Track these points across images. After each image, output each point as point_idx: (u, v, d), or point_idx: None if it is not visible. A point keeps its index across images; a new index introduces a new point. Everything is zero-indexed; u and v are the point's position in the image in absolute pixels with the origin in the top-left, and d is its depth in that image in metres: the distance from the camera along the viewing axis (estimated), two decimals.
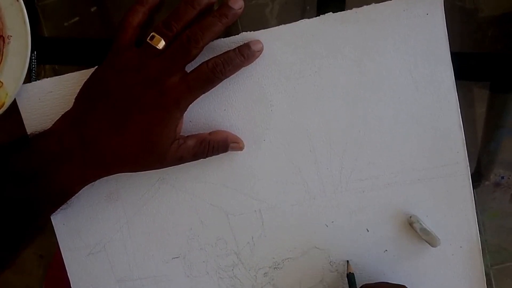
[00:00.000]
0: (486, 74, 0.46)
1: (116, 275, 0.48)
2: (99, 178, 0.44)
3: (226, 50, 0.44)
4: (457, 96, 0.46)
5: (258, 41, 0.45)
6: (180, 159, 0.43)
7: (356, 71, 0.46)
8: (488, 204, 0.48)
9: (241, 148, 0.46)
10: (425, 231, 0.45)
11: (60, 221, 0.48)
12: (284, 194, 0.47)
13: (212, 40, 0.43)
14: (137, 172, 0.46)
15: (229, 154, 0.46)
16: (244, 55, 0.43)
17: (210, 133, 0.45)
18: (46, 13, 0.47)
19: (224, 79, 0.43)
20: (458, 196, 0.46)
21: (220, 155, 0.46)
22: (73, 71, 0.47)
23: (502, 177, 0.48)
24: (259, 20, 0.46)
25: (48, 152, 0.42)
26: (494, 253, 0.48)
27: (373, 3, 0.45)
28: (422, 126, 0.46)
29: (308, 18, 0.46)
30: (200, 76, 0.42)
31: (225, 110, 0.46)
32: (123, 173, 0.45)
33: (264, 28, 0.46)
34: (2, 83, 0.45)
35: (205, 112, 0.46)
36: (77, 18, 0.47)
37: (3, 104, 0.45)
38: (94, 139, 0.42)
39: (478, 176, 0.48)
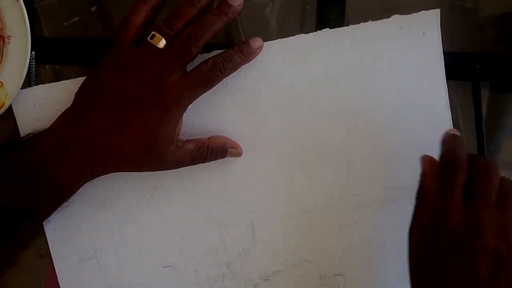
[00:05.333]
0: (486, 74, 0.46)
1: (106, 282, 0.48)
2: (98, 175, 0.44)
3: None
4: (450, 116, 0.46)
5: (258, 39, 0.44)
6: (179, 163, 0.44)
7: (351, 87, 0.46)
8: None
9: (239, 154, 0.46)
10: None
11: (52, 227, 0.48)
12: (276, 207, 0.47)
13: (212, 38, 0.43)
14: (131, 180, 0.46)
15: (224, 166, 0.46)
16: (244, 53, 0.43)
17: (209, 138, 0.45)
18: (46, 13, 0.47)
19: (224, 77, 0.43)
20: None
21: (215, 166, 0.46)
22: (73, 71, 0.47)
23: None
24: (259, 19, 0.46)
25: (47, 150, 0.42)
26: None
27: (370, 20, 0.45)
28: (416, 142, 0.46)
29: (308, 18, 0.46)
30: (200, 75, 0.42)
31: (219, 121, 0.46)
32: (117, 180, 0.45)
33: (263, 28, 0.46)
34: (2, 83, 0.45)
35: (199, 124, 0.46)
36: (77, 18, 0.47)
37: (3, 104, 0.45)
38: (93, 137, 0.42)
39: None
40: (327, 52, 0.45)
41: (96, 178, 0.44)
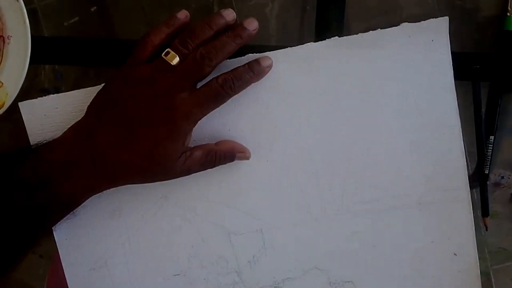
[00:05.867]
0: (486, 74, 0.46)
1: None
2: (106, 189, 0.44)
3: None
4: (460, 123, 0.46)
5: (268, 57, 0.45)
6: (188, 171, 0.44)
7: (360, 95, 0.46)
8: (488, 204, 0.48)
9: (247, 158, 0.46)
10: None
11: (63, 236, 0.48)
12: (285, 214, 0.47)
13: (225, 58, 0.43)
14: (141, 189, 0.46)
15: (233, 175, 0.47)
16: (254, 71, 0.44)
17: (216, 144, 0.45)
18: (46, 13, 0.47)
19: (234, 95, 0.43)
20: (458, 221, 0.46)
21: (225, 175, 0.46)
22: (73, 71, 0.47)
23: (502, 177, 0.48)
24: (259, 19, 0.46)
25: (57, 162, 0.42)
26: (494, 253, 0.48)
27: (379, 29, 0.45)
28: (424, 150, 0.46)
29: (308, 18, 0.46)
30: (209, 92, 0.42)
31: (229, 130, 0.46)
32: (126, 189, 0.45)
33: (263, 28, 0.46)
34: (2, 83, 0.45)
35: (209, 132, 0.46)
36: (77, 18, 0.47)
37: (3, 104, 0.45)
38: (103, 152, 0.42)
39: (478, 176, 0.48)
40: (337, 60, 0.46)
41: None
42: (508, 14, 0.45)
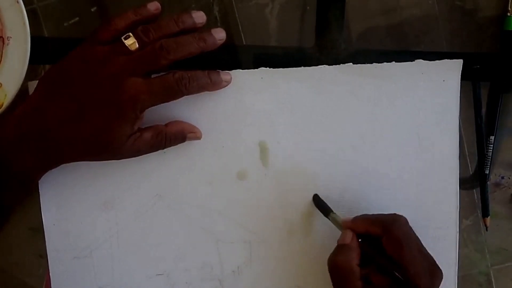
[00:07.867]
0: (486, 74, 0.46)
1: (98, 283, 0.48)
2: (59, 165, 0.44)
3: (246, 81, 0.45)
4: (458, 164, 0.46)
5: (228, 73, 0.45)
6: (138, 152, 0.43)
7: (365, 123, 0.46)
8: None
9: (198, 138, 0.46)
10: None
11: (51, 221, 0.48)
12: (277, 230, 0.47)
13: (184, 58, 0.42)
14: (136, 184, 0.47)
15: (229, 185, 0.47)
16: (211, 79, 0.44)
17: (166, 125, 0.45)
18: (46, 13, 0.47)
19: (186, 94, 0.43)
20: (443, 259, 0.45)
21: (221, 184, 0.47)
22: None
23: (502, 177, 0.48)
24: (259, 19, 0.46)
25: (7, 138, 0.42)
26: (494, 253, 0.48)
27: (394, 61, 0.45)
28: (420, 186, 0.46)
29: (308, 18, 0.46)
30: (163, 83, 0.42)
31: (232, 139, 0.47)
32: (122, 183, 0.45)
33: (263, 28, 0.46)
34: (1, 84, 0.45)
35: (212, 142, 0.47)
36: (77, 18, 0.47)
37: (2, 105, 0.45)
38: (51, 128, 0.41)
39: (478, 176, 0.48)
40: (348, 86, 0.46)
41: (101, 178, 0.46)
42: (508, 14, 0.45)
